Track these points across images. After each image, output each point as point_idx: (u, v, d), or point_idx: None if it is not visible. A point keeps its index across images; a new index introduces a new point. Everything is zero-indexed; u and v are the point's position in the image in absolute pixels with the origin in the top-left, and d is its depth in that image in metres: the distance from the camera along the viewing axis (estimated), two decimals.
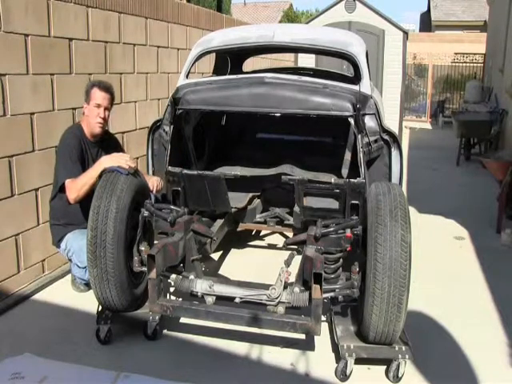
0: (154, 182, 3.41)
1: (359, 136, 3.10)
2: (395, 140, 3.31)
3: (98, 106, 3.38)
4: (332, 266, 2.87)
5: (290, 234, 4.11)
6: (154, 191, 3.41)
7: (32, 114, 3.52)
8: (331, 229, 2.82)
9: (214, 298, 2.77)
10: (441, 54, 15.78)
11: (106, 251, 2.69)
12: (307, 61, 8.80)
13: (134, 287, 2.92)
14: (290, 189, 3.48)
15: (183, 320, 3.15)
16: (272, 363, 2.80)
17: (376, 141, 3.26)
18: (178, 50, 5.62)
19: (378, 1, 11.61)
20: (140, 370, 2.65)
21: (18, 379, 2.53)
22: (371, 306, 2.47)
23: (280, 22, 29.31)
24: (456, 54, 15.99)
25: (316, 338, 2.96)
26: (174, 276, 2.87)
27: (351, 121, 3.09)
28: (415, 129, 13.11)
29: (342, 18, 8.98)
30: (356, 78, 4.11)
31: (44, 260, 3.75)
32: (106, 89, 3.42)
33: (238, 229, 4.05)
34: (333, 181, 3.15)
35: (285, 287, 2.69)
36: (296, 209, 3.46)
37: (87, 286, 3.48)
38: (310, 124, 4.22)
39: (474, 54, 15.74)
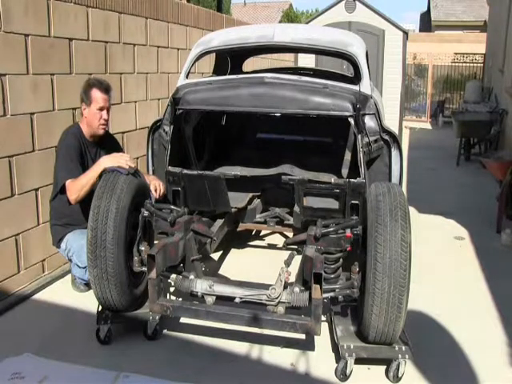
0: (156, 187, 3.38)
1: (359, 136, 3.10)
2: (395, 140, 3.31)
3: (101, 108, 3.37)
4: (332, 266, 2.87)
5: (290, 234, 4.11)
6: (157, 196, 3.38)
7: (32, 114, 3.52)
8: (331, 229, 2.82)
9: (214, 298, 2.77)
10: (441, 53, 15.77)
11: (106, 251, 2.69)
12: (307, 61, 8.80)
13: (134, 287, 2.92)
14: (289, 189, 3.47)
15: (183, 320, 3.15)
16: (272, 363, 2.80)
17: (376, 141, 3.26)
18: (178, 50, 5.62)
19: (378, 1, 11.62)
20: (140, 370, 2.65)
21: (18, 379, 2.53)
22: (371, 306, 2.47)
23: (280, 22, 29.31)
24: (456, 54, 15.98)
25: (316, 337, 2.96)
26: (174, 276, 2.87)
27: (351, 121, 3.09)
28: (415, 129, 13.11)
29: (342, 18, 8.98)
30: (356, 78, 4.11)
31: (44, 260, 3.75)
32: (105, 89, 3.40)
33: (238, 229, 4.05)
34: (333, 181, 3.15)
35: (285, 287, 2.69)
36: (296, 209, 3.46)
37: (87, 285, 3.48)
38: (310, 124, 4.22)
39: (474, 54, 15.73)
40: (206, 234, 3.34)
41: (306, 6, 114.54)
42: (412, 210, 5.24)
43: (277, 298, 2.66)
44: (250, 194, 3.87)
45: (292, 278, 2.82)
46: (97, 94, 3.35)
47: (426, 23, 28.39)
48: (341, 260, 2.89)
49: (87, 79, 3.44)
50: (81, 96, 3.41)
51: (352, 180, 3.07)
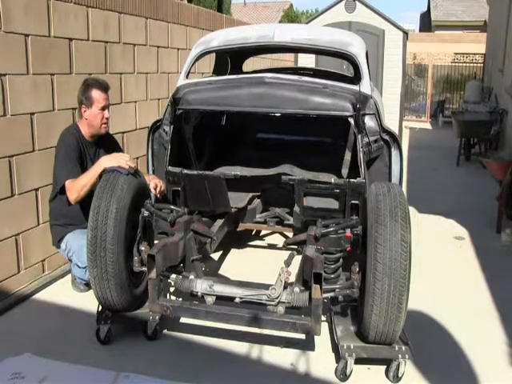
0: (156, 184, 3.39)
1: (359, 136, 3.10)
2: (395, 140, 3.31)
3: (103, 108, 3.37)
4: (332, 266, 2.87)
5: (290, 234, 4.11)
6: (157, 193, 3.39)
7: (32, 114, 3.52)
8: (331, 229, 2.82)
9: (214, 298, 2.77)
10: (441, 53, 15.78)
11: (106, 251, 2.69)
12: (307, 61, 8.80)
13: (134, 287, 2.92)
14: (289, 189, 3.48)
15: (183, 320, 3.15)
16: (272, 363, 2.80)
17: (376, 141, 3.26)
18: (178, 50, 5.62)
19: (378, 1, 11.64)
20: (140, 370, 2.65)
21: (18, 379, 2.54)
22: (371, 306, 2.47)
23: (280, 22, 29.32)
24: (456, 54, 15.98)
25: (316, 337, 2.96)
26: (174, 276, 2.87)
27: (351, 121, 3.09)
28: (415, 129, 13.11)
29: (342, 18, 8.99)
30: (356, 78, 4.11)
31: (44, 260, 3.75)
32: (105, 88, 3.40)
33: (238, 229, 4.05)
34: (333, 181, 3.15)
35: (285, 287, 2.69)
36: (296, 209, 3.46)
37: (87, 285, 3.48)
38: (310, 124, 4.22)
39: (474, 54, 15.73)
40: (205, 234, 3.34)
41: (306, 5, 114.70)
42: (412, 210, 5.24)
43: (277, 298, 2.66)
44: (250, 194, 3.87)
45: (292, 278, 2.82)
46: (97, 94, 3.35)
47: (426, 23, 28.39)
48: (341, 260, 2.89)
49: (84, 80, 3.44)
50: (79, 98, 3.40)
51: (352, 180, 3.07)
